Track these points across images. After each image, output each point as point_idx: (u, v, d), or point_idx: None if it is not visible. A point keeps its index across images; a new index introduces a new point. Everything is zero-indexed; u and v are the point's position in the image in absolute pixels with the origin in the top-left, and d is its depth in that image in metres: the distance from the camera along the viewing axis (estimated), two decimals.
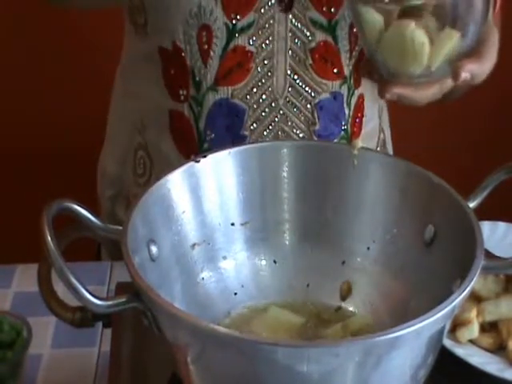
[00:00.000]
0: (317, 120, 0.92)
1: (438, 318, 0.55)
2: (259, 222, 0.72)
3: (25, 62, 1.55)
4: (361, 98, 0.96)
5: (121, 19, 0.97)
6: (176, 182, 0.68)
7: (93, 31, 1.50)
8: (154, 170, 0.96)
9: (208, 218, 0.70)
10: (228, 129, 0.91)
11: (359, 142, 0.73)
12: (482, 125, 1.70)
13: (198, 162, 0.70)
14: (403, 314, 0.67)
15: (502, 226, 0.86)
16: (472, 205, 0.67)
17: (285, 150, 0.73)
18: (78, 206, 0.62)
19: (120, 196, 1.02)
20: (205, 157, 0.70)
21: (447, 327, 0.61)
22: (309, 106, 0.92)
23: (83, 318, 0.64)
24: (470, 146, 1.70)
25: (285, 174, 0.73)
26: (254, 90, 0.90)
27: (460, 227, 0.65)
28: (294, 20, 0.88)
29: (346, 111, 0.94)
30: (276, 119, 0.91)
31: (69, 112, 1.60)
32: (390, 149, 1.06)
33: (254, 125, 0.91)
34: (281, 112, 0.91)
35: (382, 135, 1.02)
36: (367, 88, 0.96)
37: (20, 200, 1.59)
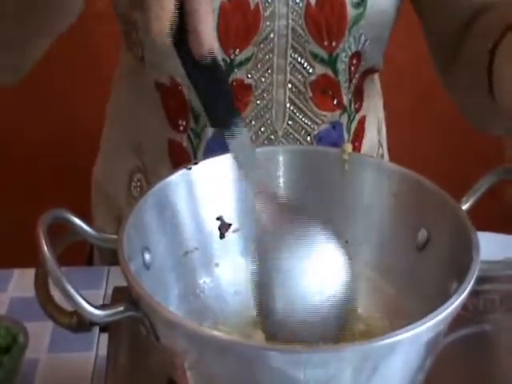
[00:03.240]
0: None
1: (437, 322, 0.55)
2: (254, 228, 0.71)
3: None
4: (361, 120, 0.95)
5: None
6: (170, 189, 0.68)
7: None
8: None
9: (202, 225, 0.70)
10: None
11: (349, 147, 0.72)
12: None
13: (189, 169, 0.70)
14: (397, 317, 0.68)
15: (485, 235, 0.85)
16: (464, 207, 0.67)
17: (279, 156, 0.73)
18: (73, 215, 0.62)
19: (111, 214, 1.01)
20: (196, 164, 0.70)
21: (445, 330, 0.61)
22: (308, 137, 0.91)
23: (80, 322, 0.64)
24: (463, 151, 1.70)
25: (279, 180, 0.73)
26: (253, 122, 0.89)
27: (454, 230, 0.65)
28: (293, 53, 0.87)
29: (346, 137, 0.93)
30: None
31: (69, 117, 1.60)
32: (385, 159, 1.05)
33: None
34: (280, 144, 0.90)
35: (380, 150, 1.02)
36: (370, 108, 0.95)
37: (17, 204, 1.59)
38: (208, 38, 0.59)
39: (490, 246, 0.83)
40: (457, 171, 1.46)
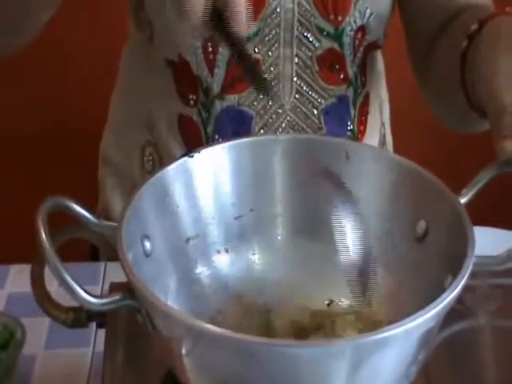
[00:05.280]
0: (323, 125, 0.92)
1: (428, 317, 0.55)
2: (253, 216, 0.72)
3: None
4: (367, 96, 0.96)
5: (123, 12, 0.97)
6: (170, 178, 0.68)
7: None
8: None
9: (202, 213, 0.70)
10: (235, 134, 0.91)
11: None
12: None
13: (191, 157, 0.70)
14: (394, 308, 0.68)
15: (483, 230, 0.85)
16: (463, 201, 0.67)
17: (279, 144, 0.73)
18: (73, 202, 0.62)
19: (122, 186, 1.01)
20: (199, 152, 0.70)
21: (439, 324, 0.61)
22: (315, 111, 0.92)
23: (76, 318, 0.65)
24: (466, 142, 1.70)
25: (279, 168, 0.73)
26: (261, 96, 0.90)
27: (451, 224, 0.65)
28: (300, 28, 0.88)
29: (352, 112, 0.94)
30: (283, 125, 0.91)
31: (64, 103, 1.60)
32: (389, 142, 1.06)
33: (261, 131, 0.91)
34: (288, 118, 0.91)
35: (383, 129, 1.02)
36: (372, 83, 0.96)
37: (14, 201, 1.59)
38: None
39: (489, 241, 0.83)
40: (460, 167, 1.45)
